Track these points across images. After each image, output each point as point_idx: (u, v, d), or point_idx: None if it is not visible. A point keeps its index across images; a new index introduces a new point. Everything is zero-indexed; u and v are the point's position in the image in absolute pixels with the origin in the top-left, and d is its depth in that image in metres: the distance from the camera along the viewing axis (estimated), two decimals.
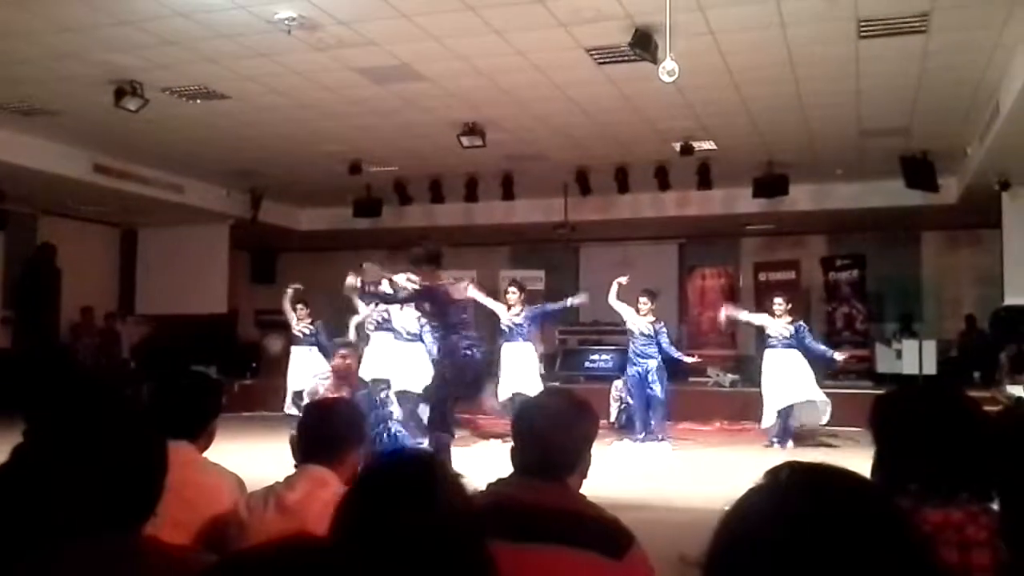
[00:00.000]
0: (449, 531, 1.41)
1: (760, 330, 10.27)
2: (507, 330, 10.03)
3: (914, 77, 8.35)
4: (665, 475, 8.12)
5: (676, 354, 10.06)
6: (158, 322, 15.32)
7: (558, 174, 12.43)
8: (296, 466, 2.66)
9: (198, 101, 9.35)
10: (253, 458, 6.12)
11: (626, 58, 7.65)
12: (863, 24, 7.08)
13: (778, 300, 10.00)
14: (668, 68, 6.45)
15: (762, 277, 14.89)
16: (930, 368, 12.07)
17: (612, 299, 9.99)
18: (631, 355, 10.02)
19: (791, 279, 14.64)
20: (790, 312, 9.88)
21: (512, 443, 2.16)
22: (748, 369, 12.80)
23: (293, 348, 11.32)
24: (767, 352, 9.89)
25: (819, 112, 9.55)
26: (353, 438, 2.73)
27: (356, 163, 11.94)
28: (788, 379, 9.58)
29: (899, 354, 12.73)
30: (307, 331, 11.23)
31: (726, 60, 7.93)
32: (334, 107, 9.56)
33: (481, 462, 7.95)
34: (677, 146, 10.82)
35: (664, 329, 10.01)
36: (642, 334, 9.87)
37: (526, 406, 2.24)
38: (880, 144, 10.71)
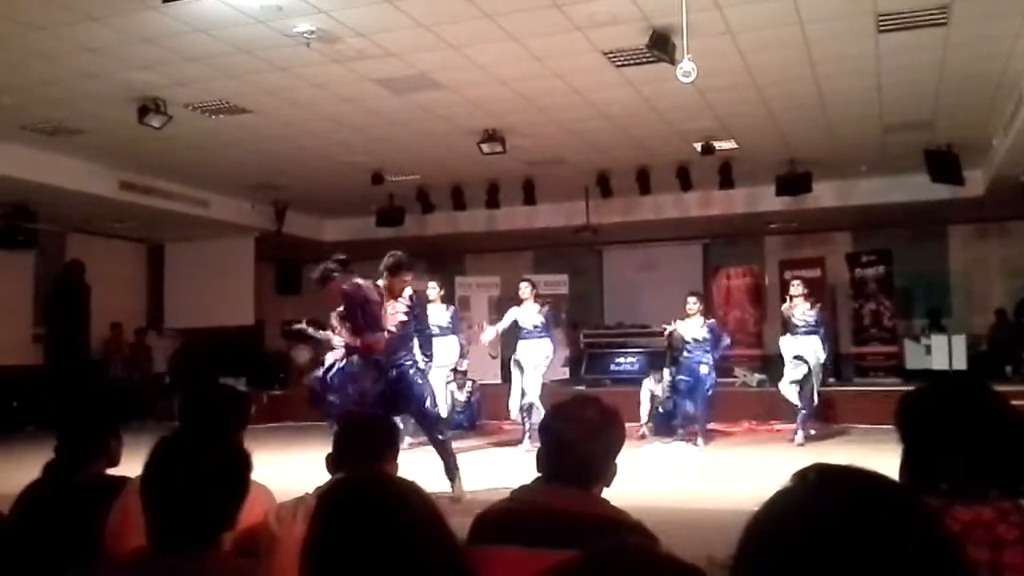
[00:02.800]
0: (417, 547, 1.40)
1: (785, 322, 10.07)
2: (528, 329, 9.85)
3: (936, 70, 8.28)
4: (693, 476, 8.07)
5: (724, 345, 9.94)
6: (187, 335, 15.47)
7: (579, 177, 12.43)
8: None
9: (220, 116, 9.45)
10: (282, 469, 6.17)
11: (644, 60, 7.65)
12: (882, 18, 7.04)
13: (795, 282, 9.89)
14: (684, 69, 6.43)
15: (788, 275, 14.74)
16: (960, 363, 11.93)
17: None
18: (683, 363, 9.78)
19: (817, 276, 14.51)
20: (807, 298, 9.73)
21: (538, 449, 2.17)
22: (775, 369, 12.70)
23: (328, 355, 11.40)
24: (789, 338, 9.77)
25: (841, 108, 9.49)
26: (387, 450, 2.74)
27: (378, 173, 12.00)
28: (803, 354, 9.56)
29: (928, 350, 12.60)
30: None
31: (745, 59, 7.90)
32: (355, 118, 9.62)
33: (504, 468, 7.96)
34: (698, 146, 10.79)
35: (715, 325, 9.88)
36: (695, 340, 9.65)
37: (555, 413, 2.24)
38: (903, 138, 10.61)
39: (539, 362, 9.70)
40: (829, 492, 0.94)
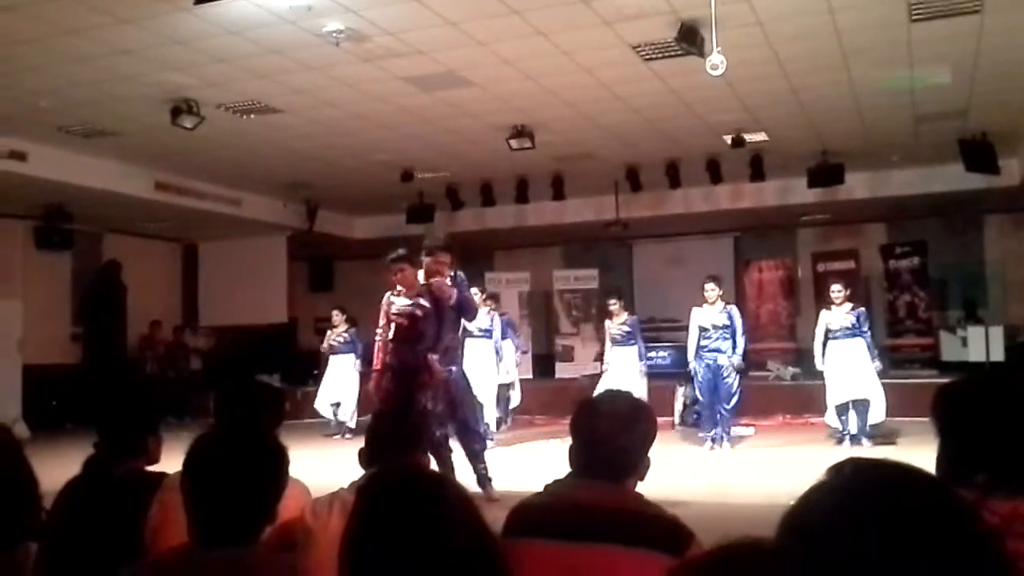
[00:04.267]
0: (459, 553, 1.40)
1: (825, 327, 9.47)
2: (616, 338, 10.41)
3: (970, 58, 8.15)
4: (728, 471, 8.04)
5: (742, 340, 9.44)
6: (221, 333, 15.65)
7: (608, 172, 12.40)
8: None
9: (252, 116, 9.54)
10: (317, 464, 6.23)
11: (673, 53, 7.61)
12: (915, 6, 6.94)
13: (835, 287, 9.42)
14: (713, 62, 6.39)
15: (820, 268, 14.65)
16: (997, 355, 11.76)
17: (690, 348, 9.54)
18: (700, 352, 9.37)
19: (851, 268, 14.37)
20: (850, 299, 9.38)
21: (571, 443, 2.18)
22: (809, 362, 12.60)
23: (331, 357, 11.62)
24: (829, 344, 9.32)
25: (873, 98, 9.38)
26: (418, 443, 2.77)
27: (408, 170, 12.06)
28: (849, 372, 9.12)
29: (964, 341, 12.44)
30: (344, 338, 11.55)
31: (775, 50, 7.83)
32: (384, 116, 9.67)
33: (538, 462, 7.98)
34: (728, 139, 10.72)
35: (737, 312, 9.47)
36: (714, 327, 9.27)
37: (586, 407, 2.25)
38: (937, 128, 10.47)
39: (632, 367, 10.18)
40: (865, 485, 0.94)
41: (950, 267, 14.44)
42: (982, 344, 11.85)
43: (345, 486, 2.63)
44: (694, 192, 13.23)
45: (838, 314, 9.32)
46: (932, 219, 14.23)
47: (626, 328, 10.35)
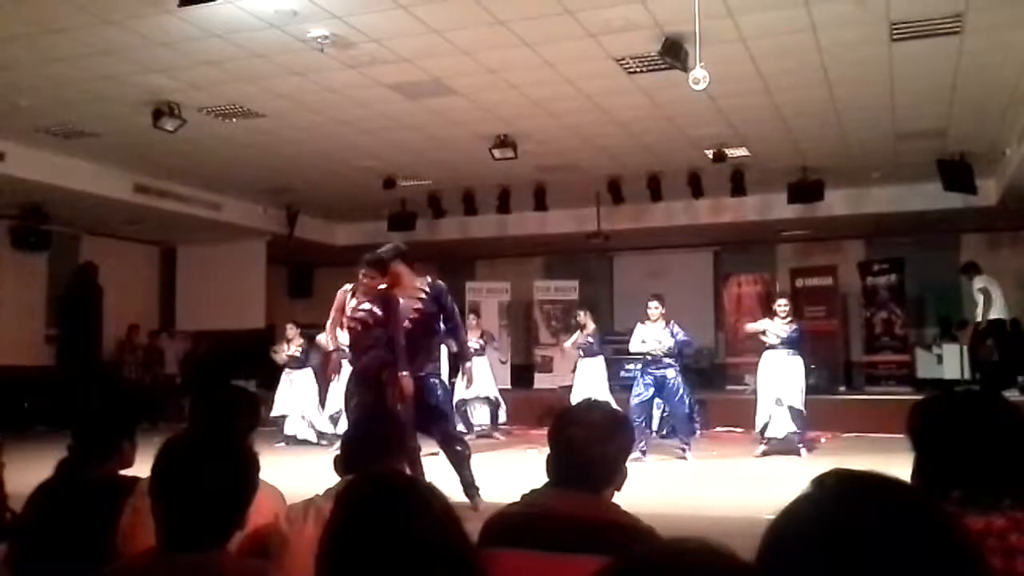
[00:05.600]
0: (438, 561, 1.40)
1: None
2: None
3: (949, 78, 8.25)
4: (705, 483, 8.06)
5: (684, 340, 9.59)
6: (198, 338, 15.53)
7: (590, 184, 12.43)
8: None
9: (234, 120, 9.49)
10: (293, 470, 6.18)
11: (656, 67, 7.65)
12: (895, 27, 7.02)
13: (781, 302, 9.82)
14: (696, 76, 6.43)
15: (799, 283, 14.74)
16: (971, 373, 11.86)
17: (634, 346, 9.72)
18: (644, 369, 9.54)
19: (828, 285, 14.49)
20: (793, 313, 9.69)
21: (548, 453, 2.18)
22: None
23: (284, 373, 11.51)
24: (765, 353, 9.64)
25: (853, 116, 9.47)
26: (394, 450, 2.75)
27: (390, 178, 12.04)
28: (780, 382, 9.44)
29: (940, 359, 12.54)
30: (298, 354, 11.45)
31: (757, 66, 7.90)
32: (368, 123, 9.66)
33: (516, 472, 7.96)
34: (710, 153, 10.78)
35: (680, 330, 9.53)
36: (658, 344, 9.40)
37: (563, 418, 2.24)
38: (916, 147, 10.58)
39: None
40: (848, 497, 0.94)
41: (927, 285, 14.58)
42: (957, 362, 11.95)
43: (320, 493, 2.62)
44: (675, 205, 13.29)
45: (777, 325, 9.60)
46: (910, 237, 14.37)
47: (590, 339, 10.94)
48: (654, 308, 9.48)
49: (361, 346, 6.36)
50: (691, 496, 7.25)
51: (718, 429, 10.85)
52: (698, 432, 11.26)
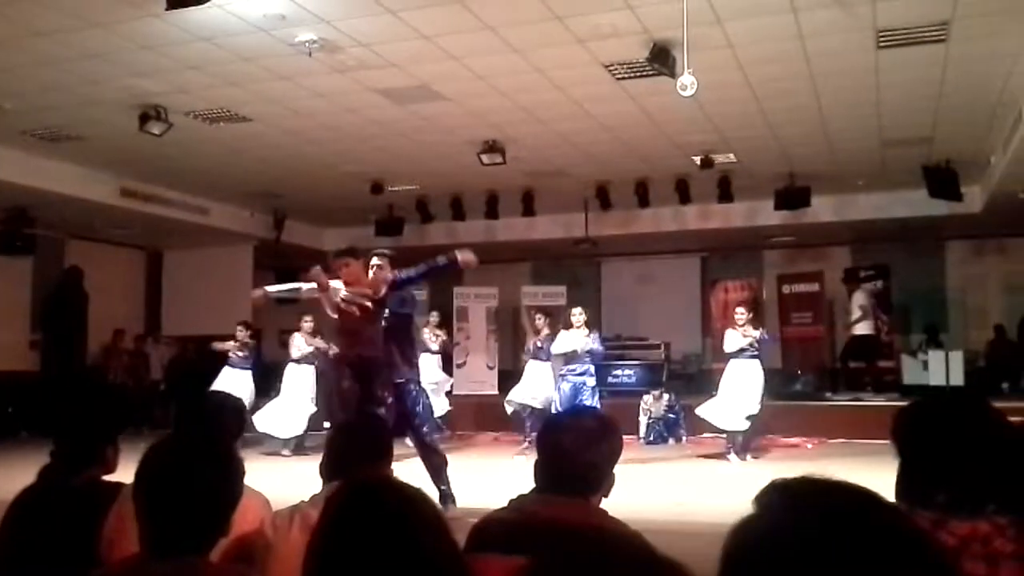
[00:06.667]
0: (424, 553, 1.39)
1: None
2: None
3: (935, 86, 8.31)
4: (693, 488, 8.06)
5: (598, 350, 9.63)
6: (184, 343, 15.44)
7: (578, 189, 12.45)
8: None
9: (221, 124, 9.46)
10: (278, 477, 6.16)
11: (644, 73, 7.68)
12: (882, 34, 7.07)
13: (739, 310, 9.89)
14: (683, 83, 6.45)
15: (786, 289, 14.81)
16: (957, 379, 11.92)
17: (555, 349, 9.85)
18: (565, 374, 9.56)
19: (815, 291, 14.55)
20: (753, 322, 9.76)
21: (536, 459, 2.17)
22: (770, 382, 12.70)
23: (225, 369, 11.25)
24: (731, 362, 9.72)
25: (840, 123, 9.52)
26: (379, 455, 2.74)
27: (378, 183, 12.02)
28: (743, 391, 9.50)
29: (925, 365, 12.60)
30: (243, 354, 11.26)
31: (745, 73, 7.93)
32: (355, 128, 9.64)
33: (502, 477, 7.95)
34: (697, 159, 10.81)
35: (598, 336, 9.72)
36: (579, 351, 9.42)
37: (552, 423, 2.24)
38: (902, 154, 10.64)
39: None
40: (791, 510, 0.94)
41: (912, 292, 14.66)
42: (943, 368, 12.00)
43: (306, 499, 2.60)
44: (663, 212, 13.32)
45: (737, 334, 9.66)
46: (896, 244, 14.46)
47: (538, 343, 10.89)
48: (577, 314, 9.66)
49: (353, 330, 6.31)
50: (679, 501, 7.25)
51: (705, 435, 10.82)
52: (684, 438, 11.34)
